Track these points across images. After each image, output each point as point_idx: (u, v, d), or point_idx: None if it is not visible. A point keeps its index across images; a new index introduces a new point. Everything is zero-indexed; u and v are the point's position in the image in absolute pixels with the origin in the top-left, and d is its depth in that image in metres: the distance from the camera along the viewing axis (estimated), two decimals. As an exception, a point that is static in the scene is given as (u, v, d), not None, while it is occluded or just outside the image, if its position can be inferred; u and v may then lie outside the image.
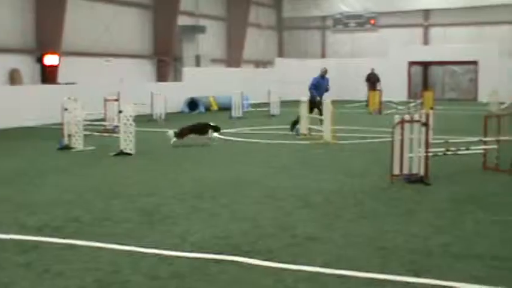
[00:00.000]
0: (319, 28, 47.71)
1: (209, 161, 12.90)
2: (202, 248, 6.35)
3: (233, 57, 41.65)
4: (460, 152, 11.42)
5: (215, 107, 30.02)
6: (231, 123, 22.25)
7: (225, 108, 27.56)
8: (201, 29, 37.04)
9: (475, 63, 39.82)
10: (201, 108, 29.14)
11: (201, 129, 15.94)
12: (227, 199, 8.89)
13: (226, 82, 31.25)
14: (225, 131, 19.21)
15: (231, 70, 38.17)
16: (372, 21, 45.05)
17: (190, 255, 6.12)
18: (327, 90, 18.75)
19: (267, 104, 27.24)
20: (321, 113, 17.32)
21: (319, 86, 18.42)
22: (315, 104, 18.07)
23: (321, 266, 5.76)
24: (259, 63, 45.14)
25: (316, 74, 19.02)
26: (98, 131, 17.22)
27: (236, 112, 25.30)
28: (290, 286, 5.27)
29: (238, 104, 25.55)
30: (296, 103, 19.00)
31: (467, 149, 11.52)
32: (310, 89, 18.39)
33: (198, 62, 36.73)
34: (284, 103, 28.24)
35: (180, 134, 15.64)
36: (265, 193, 9.32)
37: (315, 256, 6.09)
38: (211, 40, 39.24)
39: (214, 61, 39.34)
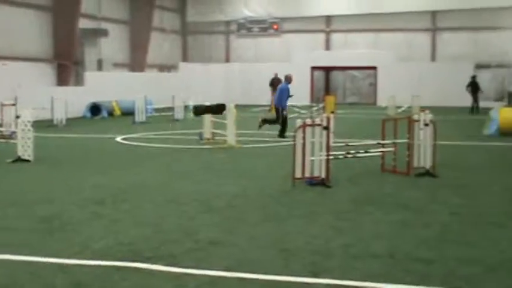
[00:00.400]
0: (223, 33, 47.88)
1: (110, 167, 12.67)
2: (104, 256, 6.23)
3: (136, 61, 41.09)
4: (359, 155, 11.77)
5: (118, 112, 29.54)
6: (134, 128, 21.97)
7: (128, 113, 27.16)
8: (103, 33, 36.32)
9: (374, 68, 41.16)
10: (104, 113, 28.59)
11: (217, 108, 16.53)
12: (129, 205, 8.77)
13: (130, 86, 30.81)
14: (128, 136, 18.96)
15: (134, 74, 37.67)
16: (275, 27, 45.65)
17: (91, 263, 5.99)
18: (290, 96, 19.02)
19: (171, 109, 27.06)
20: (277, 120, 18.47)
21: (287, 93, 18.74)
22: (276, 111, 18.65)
23: (223, 270, 5.77)
24: (163, 68, 44.77)
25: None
26: (-6, 137, 16.57)
27: (139, 117, 24.99)
28: (192, 291, 5.26)
29: (142, 108, 25.24)
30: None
31: (367, 152, 11.89)
32: (283, 97, 18.64)
33: (100, 66, 36.02)
34: (188, 107, 28.12)
35: (196, 112, 16.37)
36: (168, 198, 9.25)
37: (218, 260, 6.10)
38: (114, 44, 38.57)
39: (117, 65, 38.69)
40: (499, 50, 38.08)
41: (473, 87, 32.76)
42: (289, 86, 19.10)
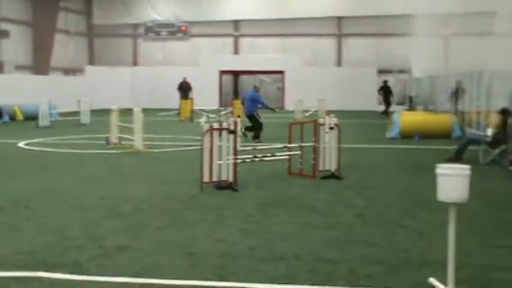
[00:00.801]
0: (131, 36, 47.27)
1: (12, 173, 12.24)
2: (4, 265, 6.00)
3: (40, 64, 39.90)
4: (266, 159, 11.90)
5: (20, 116, 28.57)
6: (38, 133, 21.33)
7: (32, 117, 26.33)
8: (3, 34, 35.12)
9: (281, 72, 41.74)
10: (5, 118, 27.58)
11: None
12: (32, 212, 8.50)
13: (33, 90, 29.89)
14: (31, 141, 18.39)
15: (38, 77, 36.56)
16: (184, 28, 45.47)
17: (-11, 273, 5.77)
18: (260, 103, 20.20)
19: (76, 113, 26.44)
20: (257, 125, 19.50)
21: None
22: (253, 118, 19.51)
23: (129, 276, 5.69)
24: (68, 71, 43.71)
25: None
26: None
27: (43, 121, 24.28)
28: (96, 298, 5.15)
29: (46, 112, 24.53)
30: (107, 112, 18.68)
31: (274, 155, 12.03)
32: (254, 103, 19.70)
33: (1, 68, 34.77)
34: (95, 112, 27.59)
35: None
36: (73, 204, 9.03)
37: (124, 266, 6.01)
38: (16, 45, 37.34)
39: (19, 68, 37.47)
40: (401, 56, 39.44)
41: (385, 91, 33.93)
42: (258, 93, 20.38)
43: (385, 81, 34.71)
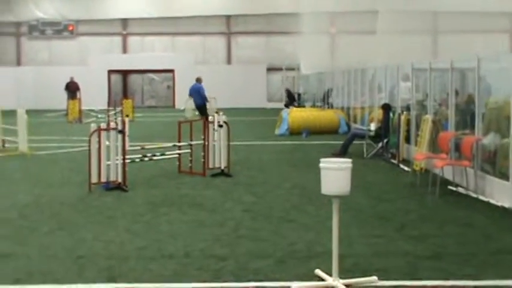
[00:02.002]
0: (14, 34, 45.47)
1: None
2: None
3: None
4: (156, 158, 11.85)
5: None
6: None
7: None
8: None
9: (171, 71, 41.52)
10: None
11: None
12: None
13: None
14: None
15: None
16: (71, 28, 44.29)
17: None
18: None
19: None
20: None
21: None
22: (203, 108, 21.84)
23: (12, 283, 5.53)
24: None
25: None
26: None
27: None
28: (-22, 308, 4.98)
29: None
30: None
31: (163, 155, 12.00)
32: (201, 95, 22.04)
33: None
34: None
35: None
36: (-48, 211, 8.64)
37: (7, 273, 5.83)
38: None
39: None
40: (290, 54, 40.23)
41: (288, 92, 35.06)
42: (201, 85, 22.89)
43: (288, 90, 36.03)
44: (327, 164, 5.47)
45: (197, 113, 22.98)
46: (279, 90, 40.78)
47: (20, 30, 45.20)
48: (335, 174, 5.39)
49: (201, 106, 22.28)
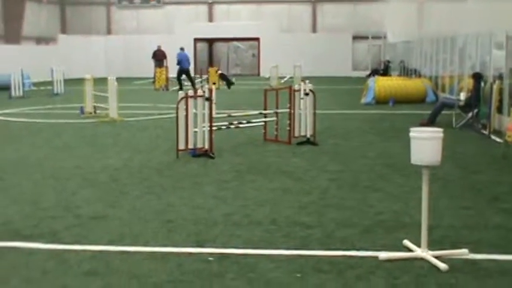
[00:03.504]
0: (104, 4, 46.59)
1: (-14, 144, 12.13)
2: (-21, 236, 6.00)
3: (11, 33, 39.18)
4: (242, 125, 11.91)
5: (-7, 87, 28.17)
6: (11, 104, 21.09)
7: (4, 87, 25.96)
8: (-27, 3, 34.41)
9: (257, 39, 41.52)
10: (-23, 88, 27.18)
11: None
12: (6, 182, 8.45)
13: (5, 60, 29.44)
14: (4, 111, 18.20)
15: (9, 47, 35.94)
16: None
17: (-35, 244, 5.76)
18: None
19: (50, 83, 26.16)
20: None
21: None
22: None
23: (105, 244, 5.71)
24: (40, 40, 43.04)
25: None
26: None
27: (16, 92, 23.97)
28: (73, 266, 5.16)
29: (18, 83, 24.21)
30: (81, 81, 18.53)
31: (249, 122, 12.04)
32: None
33: (-29, 38, 34.16)
34: (68, 81, 27.30)
35: None
36: (48, 174, 9.00)
37: (100, 235, 6.03)
38: (-14, 15, 36.65)
39: (-10, 38, 36.84)
40: (376, 22, 39.45)
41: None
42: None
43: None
44: (418, 133, 5.33)
45: (183, 77, 26.98)
46: (364, 59, 40.12)
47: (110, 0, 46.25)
48: (426, 144, 5.25)
49: (188, 70, 27.27)
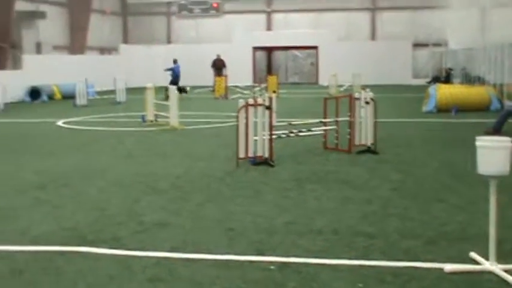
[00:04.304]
0: (164, 14, 47.37)
1: (52, 151, 12.45)
2: (47, 241, 6.14)
3: (76, 43, 40.28)
4: (302, 134, 11.88)
5: (59, 96, 28.98)
6: (75, 112, 21.62)
7: (69, 96, 26.68)
8: (41, 15, 35.47)
9: (315, 48, 41.45)
10: (44, 97, 28.01)
11: None
12: (71, 189, 8.65)
13: (70, 69, 30.25)
14: (69, 119, 18.66)
15: (75, 57, 36.94)
16: (215, 5, 45.32)
17: (33, 249, 5.90)
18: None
19: (112, 91, 26.70)
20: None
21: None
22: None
23: (168, 251, 5.77)
24: (104, 50, 44.05)
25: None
26: None
27: (80, 100, 24.58)
28: (137, 272, 5.24)
29: (83, 91, 24.82)
30: (142, 89, 18.86)
31: (309, 131, 12.01)
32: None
33: (39, 49, 35.19)
34: (130, 90, 27.84)
35: None
36: (111, 181, 9.17)
37: (163, 242, 6.09)
38: (53, 26, 37.71)
39: (57, 48, 37.88)
40: (436, 29, 38.86)
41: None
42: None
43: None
44: (485, 142, 5.20)
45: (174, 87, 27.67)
46: (425, 67, 39.54)
47: (170, 9, 46.96)
48: (494, 153, 5.12)
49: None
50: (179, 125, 15.83)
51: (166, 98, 24.51)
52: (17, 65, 32.75)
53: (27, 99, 27.81)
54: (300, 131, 11.87)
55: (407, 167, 10.11)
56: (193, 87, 34.77)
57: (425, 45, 39.94)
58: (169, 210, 7.37)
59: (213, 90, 30.34)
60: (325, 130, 12.10)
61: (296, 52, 43.80)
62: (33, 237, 6.31)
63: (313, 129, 12.14)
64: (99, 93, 30.09)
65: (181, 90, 28.26)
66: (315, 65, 42.16)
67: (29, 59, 30.82)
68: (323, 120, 12.14)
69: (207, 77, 34.95)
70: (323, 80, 37.40)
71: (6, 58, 33.30)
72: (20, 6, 33.93)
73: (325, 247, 5.88)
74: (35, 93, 28.08)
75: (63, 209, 7.50)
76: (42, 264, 5.50)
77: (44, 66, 30.20)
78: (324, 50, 40.65)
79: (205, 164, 10.63)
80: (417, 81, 37.38)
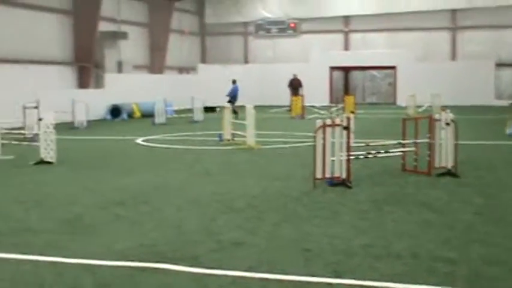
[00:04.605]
0: (242, 34, 47.93)
1: (131, 168, 12.73)
2: (126, 257, 6.26)
3: (156, 63, 41.26)
4: (380, 155, 11.71)
5: (138, 114, 29.70)
6: (154, 130, 22.07)
7: (148, 114, 27.30)
8: (122, 35, 36.51)
9: (393, 68, 40.96)
10: (124, 115, 28.76)
11: None
12: (150, 206, 8.80)
13: (149, 88, 30.97)
14: (148, 137, 19.06)
15: (154, 76, 37.84)
16: (292, 25, 45.55)
17: (114, 264, 6.03)
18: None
19: (190, 110, 27.14)
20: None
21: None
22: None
23: (245, 271, 5.77)
24: (182, 70, 44.92)
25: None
26: (17, 140, 16.69)
27: (159, 118, 25.10)
28: (215, 291, 5.26)
29: (162, 110, 25.35)
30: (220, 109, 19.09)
31: (387, 152, 11.83)
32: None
33: (120, 68, 36.22)
34: (207, 109, 28.23)
35: None
36: (189, 199, 9.28)
37: (239, 261, 6.10)
38: (134, 46, 38.75)
39: (137, 67, 38.88)
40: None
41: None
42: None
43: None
44: None
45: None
46: (509, 87, 38.44)
47: (247, 29, 47.51)
48: None
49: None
50: (256, 144, 15.90)
51: (234, 115, 25.28)
52: (99, 83, 33.80)
53: (108, 117, 28.63)
54: (378, 152, 11.70)
55: (490, 191, 9.79)
56: (270, 107, 34.95)
57: (509, 65, 38.84)
58: (246, 229, 7.38)
59: (290, 110, 30.40)
60: (403, 151, 11.89)
61: (374, 72, 43.40)
62: (114, 252, 6.45)
63: (391, 150, 11.95)
64: (177, 111, 30.65)
65: (235, 112, 28.55)
66: (393, 85, 41.63)
67: (110, 78, 31.76)
68: (402, 141, 11.94)
69: (284, 96, 35.05)
70: (401, 101, 36.87)
71: (89, 77, 34.45)
72: (102, 26, 35.07)
73: (404, 271, 5.75)
74: (115, 111, 28.89)
75: (142, 226, 7.64)
76: (124, 279, 5.61)
77: (125, 85, 31.05)
78: (402, 69, 40.11)
79: (282, 183, 10.62)
80: (500, 102, 36.35)
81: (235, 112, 26.74)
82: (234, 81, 29.46)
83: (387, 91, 42.55)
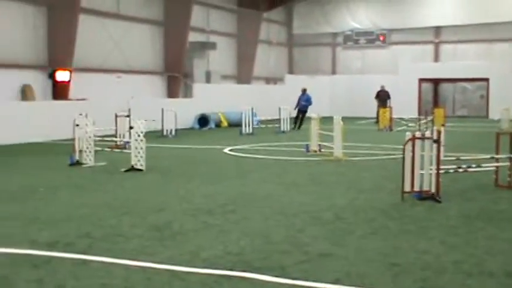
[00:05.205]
0: (330, 45, 47.81)
1: (219, 177, 12.91)
2: (214, 264, 6.35)
3: (243, 73, 41.75)
4: (471, 169, 11.38)
5: (225, 123, 30.10)
6: (241, 140, 22.30)
7: (235, 124, 27.63)
8: (211, 46, 37.19)
9: (486, 80, 39.74)
10: (212, 125, 29.22)
11: None
12: (238, 215, 8.90)
13: (237, 98, 31.34)
14: (235, 147, 19.27)
15: (241, 86, 38.27)
16: (382, 38, 45.09)
17: (202, 271, 6.12)
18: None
19: (277, 121, 27.28)
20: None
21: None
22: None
23: (332, 283, 5.74)
24: (269, 80, 45.23)
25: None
26: (109, 147, 17.27)
27: (246, 128, 25.35)
28: (302, 302, 5.26)
29: (248, 120, 25.59)
30: (307, 120, 19.08)
31: (479, 166, 11.48)
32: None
33: (208, 78, 36.86)
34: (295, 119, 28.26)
35: None
36: (276, 209, 9.32)
37: (326, 272, 6.07)
38: (222, 56, 39.39)
39: (225, 77, 39.45)
40: None
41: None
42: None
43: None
44: None
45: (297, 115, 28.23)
46: None
47: (336, 40, 47.36)
48: None
49: (305, 112, 28.04)
50: (343, 155, 15.80)
51: (296, 125, 27.62)
52: (187, 93, 34.53)
53: (196, 126, 29.15)
54: (469, 167, 11.38)
55: None
56: (357, 119, 34.65)
57: None
58: (333, 241, 7.34)
59: (377, 122, 30.03)
60: (497, 166, 11.51)
61: (465, 84, 42.26)
62: (202, 260, 6.55)
63: (483, 165, 11.60)
64: (263, 122, 30.86)
65: (296, 122, 28.38)
66: (485, 97, 40.38)
67: (198, 88, 32.35)
68: (495, 156, 11.56)
69: (371, 108, 34.66)
70: (494, 114, 35.72)
71: (178, 87, 35.24)
72: (192, 37, 35.83)
73: (497, 290, 5.57)
74: (203, 120, 29.39)
75: (229, 234, 7.73)
76: (212, 286, 5.68)
77: (213, 95, 31.55)
78: (496, 82, 38.85)
79: (369, 196, 10.51)
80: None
81: (296, 124, 27.99)
82: (304, 90, 29.26)
83: (479, 104, 41.29)
